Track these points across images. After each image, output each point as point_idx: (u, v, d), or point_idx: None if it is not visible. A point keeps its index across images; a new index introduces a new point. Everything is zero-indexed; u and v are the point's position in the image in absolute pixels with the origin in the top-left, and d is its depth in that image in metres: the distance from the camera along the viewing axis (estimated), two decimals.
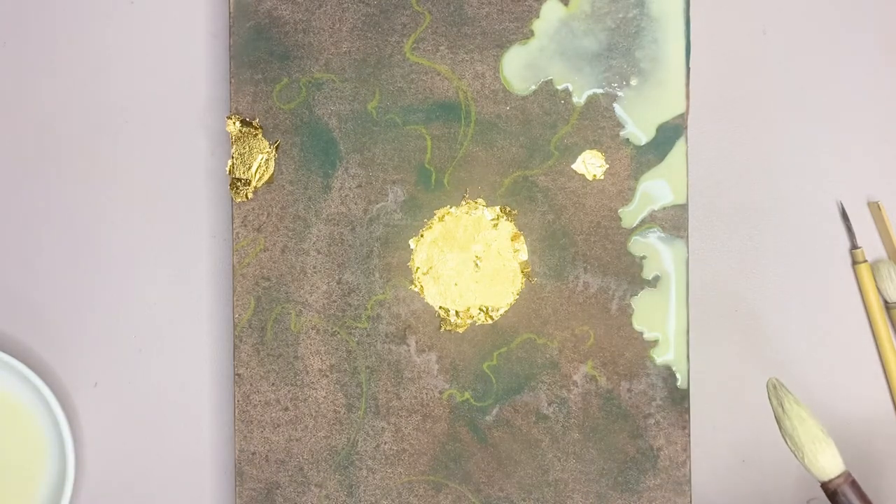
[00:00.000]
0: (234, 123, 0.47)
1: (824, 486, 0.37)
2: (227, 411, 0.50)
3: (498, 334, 0.47)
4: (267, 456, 0.47)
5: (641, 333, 0.46)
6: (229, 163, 0.47)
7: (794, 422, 0.37)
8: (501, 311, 0.47)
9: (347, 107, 0.47)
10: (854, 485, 0.36)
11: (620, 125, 0.47)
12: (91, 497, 0.50)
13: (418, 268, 0.47)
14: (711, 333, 0.50)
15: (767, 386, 0.39)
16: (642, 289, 0.47)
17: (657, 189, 0.46)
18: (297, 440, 0.47)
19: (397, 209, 0.47)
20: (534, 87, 0.47)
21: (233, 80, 0.47)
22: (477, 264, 0.47)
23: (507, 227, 0.47)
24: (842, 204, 0.50)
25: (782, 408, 0.37)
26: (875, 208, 0.50)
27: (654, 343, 0.46)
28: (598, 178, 0.47)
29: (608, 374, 0.46)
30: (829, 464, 0.36)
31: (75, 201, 0.51)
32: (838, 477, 0.36)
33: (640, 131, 0.46)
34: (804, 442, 0.36)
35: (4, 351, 0.50)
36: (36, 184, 0.51)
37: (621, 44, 0.46)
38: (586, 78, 0.47)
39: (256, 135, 0.47)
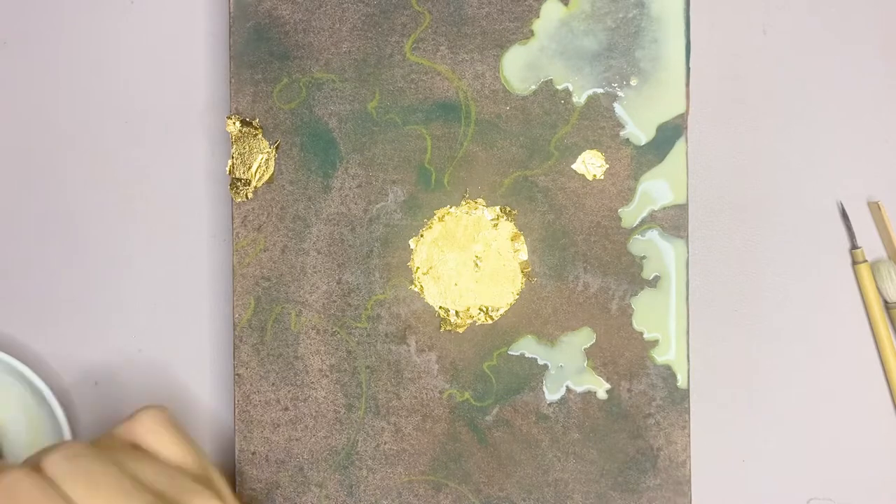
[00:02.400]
0: (234, 123, 0.47)
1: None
2: (227, 411, 0.50)
3: (498, 334, 0.47)
4: (267, 456, 0.47)
5: (641, 333, 0.46)
6: (229, 163, 0.47)
7: None
8: (501, 311, 0.47)
9: (347, 107, 0.47)
10: None
11: (620, 125, 0.46)
12: None
13: (418, 268, 0.47)
14: (711, 333, 0.50)
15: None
16: (642, 289, 0.46)
17: (657, 189, 0.46)
18: (297, 440, 0.47)
19: (397, 209, 0.47)
20: (534, 87, 0.47)
21: (233, 80, 0.47)
22: (477, 264, 0.47)
23: (507, 227, 0.47)
24: (842, 204, 0.50)
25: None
26: (875, 208, 0.50)
27: (654, 343, 0.46)
28: (598, 178, 0.47)
29: (608, 374, 0.46)
30: None
31: (75, 201, 0.51)
32: None
33: (640, 131, 0.46)
34: None
35: (4, 351, 0.50)
36: (35, 183, 0.51)
37: (621, 44, 0.46)
38: (586, 78, 0.47)
39: (256, 135, 0.47)
